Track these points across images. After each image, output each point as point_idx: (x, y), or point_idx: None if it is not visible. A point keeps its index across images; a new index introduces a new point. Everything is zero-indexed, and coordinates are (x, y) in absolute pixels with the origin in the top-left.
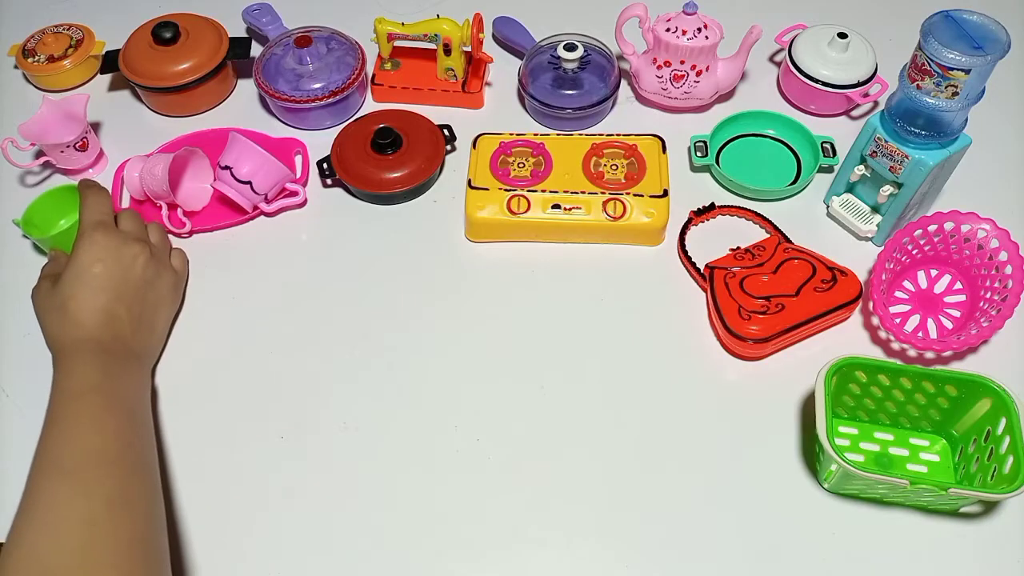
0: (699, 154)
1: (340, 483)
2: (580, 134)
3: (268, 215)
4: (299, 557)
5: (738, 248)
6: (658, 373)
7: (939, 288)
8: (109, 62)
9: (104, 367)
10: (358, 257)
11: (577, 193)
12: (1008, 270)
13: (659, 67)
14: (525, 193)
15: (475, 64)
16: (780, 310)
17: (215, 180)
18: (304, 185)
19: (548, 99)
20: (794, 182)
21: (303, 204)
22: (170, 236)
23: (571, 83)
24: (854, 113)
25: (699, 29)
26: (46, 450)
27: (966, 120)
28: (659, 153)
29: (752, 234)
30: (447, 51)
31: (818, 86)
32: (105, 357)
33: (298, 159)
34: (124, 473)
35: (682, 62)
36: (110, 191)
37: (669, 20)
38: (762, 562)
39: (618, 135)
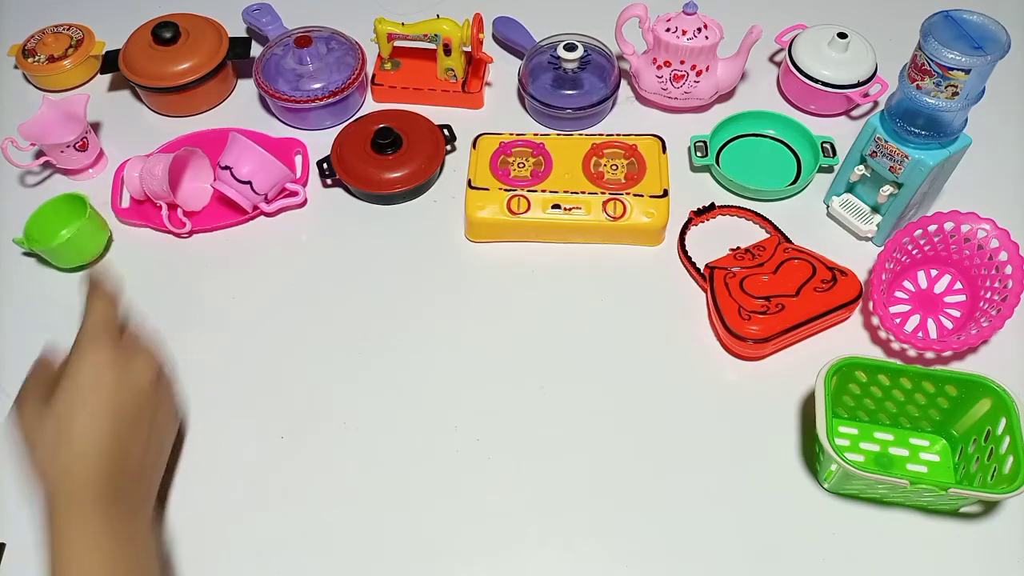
0: (699, 154)
1: (340, 483)
2: (580, 134)
3: (268, 215)
4: (299, 557)
5: (738, 248)
6: (658, 373)
7: (939, 288)
8: (109, 62)
9: (113, 524)
10: (358, 257)
11: (577, 193)
12: (1008, 270)
13: (659, 67)
14: (525, 193)
15: (475, 64)
16: (780, 310)
17: (215, 180)
18: (304, 185)
19: (548, 99)
20: (794, 182)
21: (303, 204)
22: (170, 237)
23: (571, 83)
24: (854, 113)
25: (699, 29)
26: None
27: (966, 120)
28: (659, 153)
29: (752, 234)
30: (447, 51)
31: (818, 86)
32: (114, 508)
33: (298, 159)
34: None
35: (682, 62)
36: (111, 286)
37: (669, 20)
38: (762, 562)
39: (618, 135)
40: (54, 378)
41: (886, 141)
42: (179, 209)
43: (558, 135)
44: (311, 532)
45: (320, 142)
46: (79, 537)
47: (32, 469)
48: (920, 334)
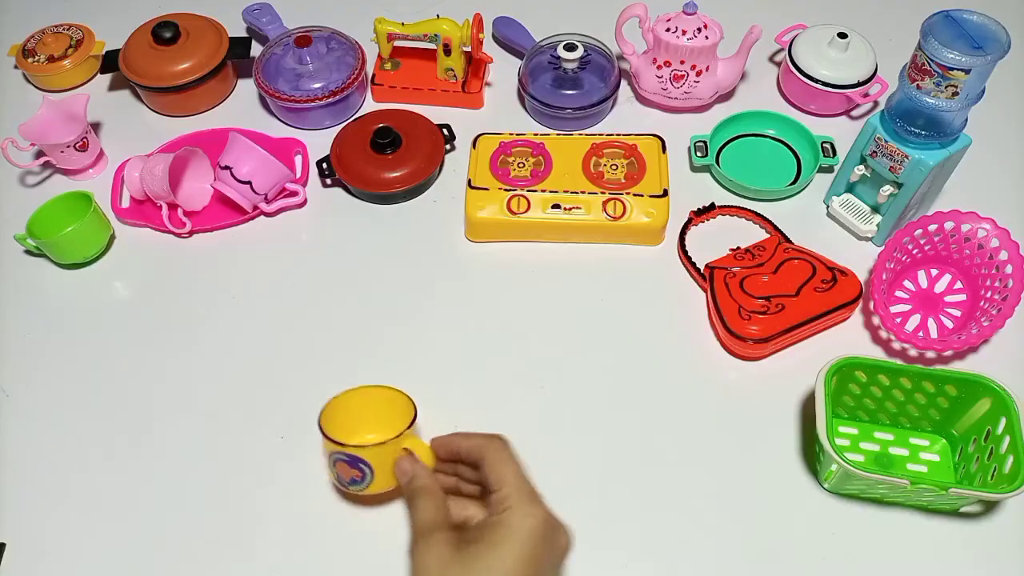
0: (699, 154)
1: None
2: (580, 134)
3: (268, 215)
4: (300, 557)
5: (738, 248)
6: (658, 373)
7: (939, 288)
8: (109, 62)
9: None
10: (358, 257)
11: (577, 193)
12: (1008, 269)
13: (659, 67)
14: (525, 193)
15: (475, 64)
16: (780, 310)
17: (215, 180)
18: (304, 185)
19: (548, 99)
20: (794, 182)
21: (303, 204)
22: (170, 237)
23: (571, 83)
24: (854, 113)
25: (699, 29)
26: None
27: (966, 120)
28: (659, 153)
29: (752, 234)
30: (447, 51)
31: (818, 86)
32: None
33: (298, 159)
34: None
35: (682, 62)
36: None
37: (669, 20)
38: (762, 562)
39: (618, 135)
40: (447, 509)
41: (886, 141)
42: (179, 209)
43: (558, 135)
44: (311, 532)
45: (320, 142)
46: None
47: None
48: (921, 334)
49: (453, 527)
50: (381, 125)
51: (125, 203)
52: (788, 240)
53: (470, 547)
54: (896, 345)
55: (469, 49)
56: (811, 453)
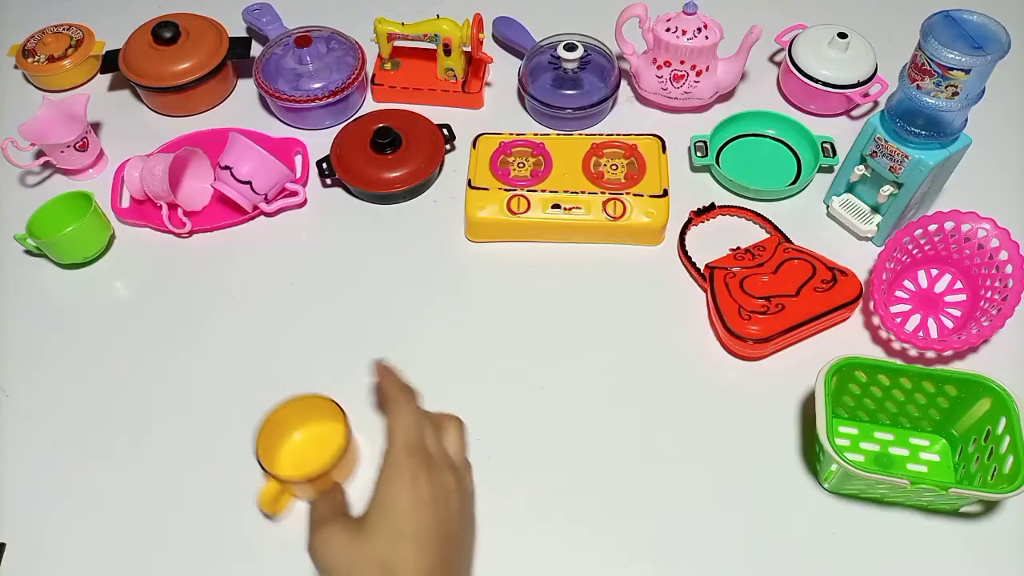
0: (699, 154)
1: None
2: (580, 134)
3: (268, 215)
4: (299, 556)
5: (738, 248)
6: (658, 373)
7: (939, 288)
8: (109, 62)
9: None
10: (358, 257)
11: (577, 193)
12: (1008, 269)
13: (659, 67)
14: (525, 193)
15: (475, 64)
16: (780, 310)
17: (215, 180)
18: (304, 185)
19: (548, 99)
20: (794, 182)
21: (303, 204)
22: (170, 237)
23: (571, 83)
24: (854, 113)
25: (699, 29)
26: None
27: (966, 120)
28: (659, 153)
29: (752, 234)
30: (447, 51)
31: (818, 86)
32: None
33: (298, 159)
34: None
35: (682, 62)
36: (409, 392)
37: (669, 20)
38: (762, 562)
39: (618, 135)
40: (342, 500)
41: (886, 141)
42: (179, 209)
43: (558, 135)
44: None
45: (320, 142)
46: None
47: None
48: (921, 334)
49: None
50: (381, 125)
51: (125, 203)
52: (788, 240)
53: (362, 522)
54: (896, 345)
55: (469, 49)
56: (811, 453)
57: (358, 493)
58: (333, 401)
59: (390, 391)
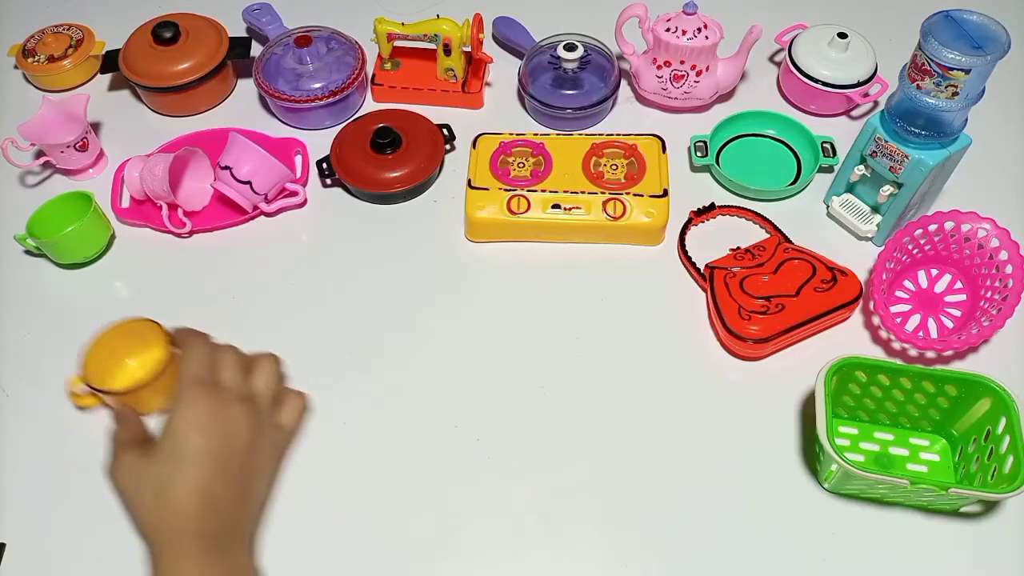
0: (699, 154)
1: (340, 482)
2: (580, 134)
3: (268, 215)
4: (299, 556)
5: (738, 248)
6: (658, 373)
7: (939, 287)
8: (109, 62)
9: (212, 559)
10: (358, 257)
11: (577, 193)
12: (1008, 269)
13: (659, 67)
14: (525, 193)
15: (475, 64)
16: (780, 310)
17: (215, 180)
18: (304, 185)
19: (548, 99)
20: (794, 182)
21: (303, 204)
22: (170, 237)
23: (571, 83)
24: (854, 113)
25: (699, 29)
26: None
27: (966, 120)
28: (659, 153)
29: (752, 234)
30: (447, 51)
31: (818, 86)
32: (214, 553)
33: (298, 159)
34: None
35: (682, 62)
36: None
37: (669, 20)
38: (762, 562)
39: (618, 135)
40: (139, 428)
41: (886, 141)
42: (179, 209)
43: (558, 135)
44: (311, 532)
45: (320, 142)
46: (183, 569)
47: (134, 521)
48: (921, 334)
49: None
50: (381, 125)
51: (125, 203)
52: (788, 240)
53: (151, 447)
54: (896, 345)
55: (469, 49)
56: (811, 453)
57: None
58: (160, 328)
59: (180, 334)
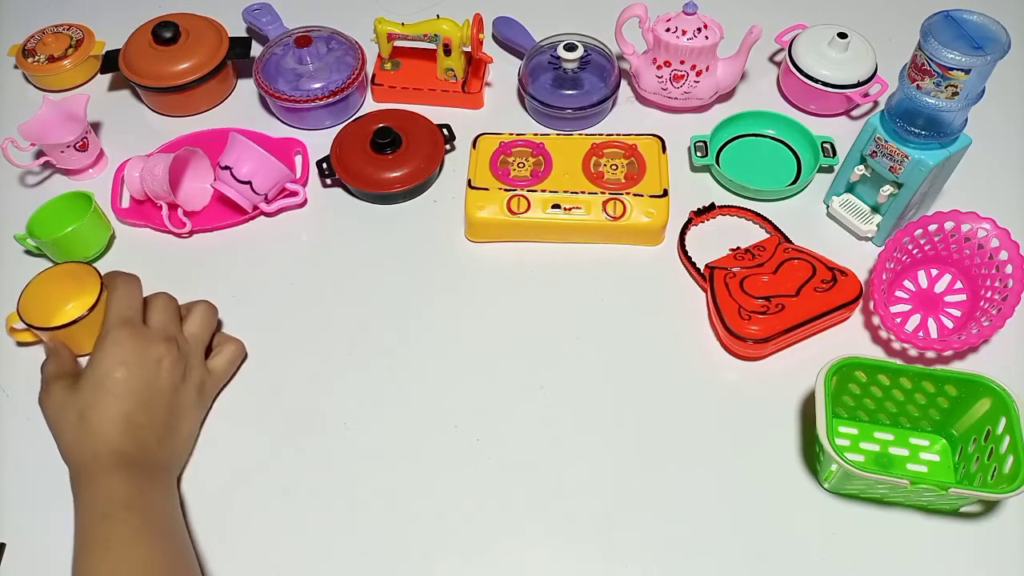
0: (699, 154)
1: (340, 483)
2: (580, 134)
3: (268, 215)
4: (299, 556)
5: (738, 248)
6: (658, 373)
7: (939, 287)
8: (109, 62)
9: (133, 481)
10: (358, 257)
11: (577, 193)
12: (1008, 269)
13: (659, 67)
14: (525, 193)
15: (475, 64)
16: (780, 310)
17: (215, 180)
18: (304, 185)
19: (548, 99)
20: (794, 182)
21: (303, 204)
22: (170, 237)
23: (571, 83)
24: (854, 113)
25: (699, 29)
26: None
27: (966, 120)
28: (659, 153)
29: (752, 234)
30: (447, 51)
31: (818, 86)
32: (132, 471)
33: (298, 159)
34: None
35: (682, 62)
36: (131, 276)
37: (669, 20)
38: (762, 562)
39: (618, 135)
40: (70, 363)
41: (886, 141)
42: (179, 209)
43: (558, 135)
44: (310, 532)
45: (320, 142)
46: (104, 484)
47: (59, 446)
48: (921, 334)
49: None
50: (381, 125)
51: (125, 203)
52: (788, 240)
53: (77, 380)
54: (896, 345)
55: (469, 49)
56: (811, 453)
57: None
58: (97, 272)
59: (110, 277)
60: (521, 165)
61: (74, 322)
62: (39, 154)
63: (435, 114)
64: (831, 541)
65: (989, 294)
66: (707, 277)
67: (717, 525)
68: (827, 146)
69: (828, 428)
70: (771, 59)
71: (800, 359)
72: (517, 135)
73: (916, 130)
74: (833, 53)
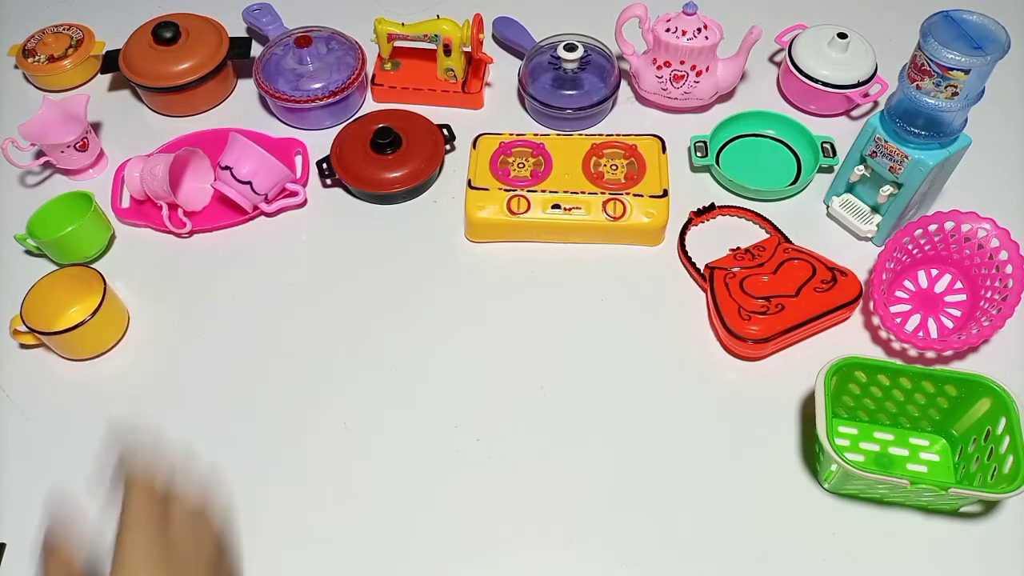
0: (699, 154)
1: (340, 483)
2: (580, 134)
3: (268, 215)
4: (299, 556)
5: (738, 248)
6: (658, 373)
7: (939, 288)
8: (109, 62)
9: None
10: (358, 257)
11: (577, 193)
12: (1008, 269)
13: (659, 67)
14: (525, 193)
15: (475, 64)
16: (780, 310)
17: (215, 180)
18: (304, 185)
19: (548, 99)
20: (794, 182)
21: (303, 204)
22: (170, 237)
23: (571, 83)
24: (854, 113)
25: (699, 29)
26: None
27: (966, 120)
28: (659, 153)
29: (752, 234)
30: (447, 51)
31: (818, 86)
32: None
33: (298, 159)
34: None
35: (682, 62)
36: (145, 457)
37: (669, 20)
38: (762, 562)
39: (618, 135)
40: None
41: (886, 141)
42: (179, 209)
43: (558, 135)
44: (310, 531)
45: (320, 142)
46: None
47: None
48: (921, 334)
49: None
50: (381, 125)
51: (125, 203)
52: (788, 240)
53: None
54: (896, 345)
55: (469, 49)
56: (811, 453)
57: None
58: (100, 276)
59: (129, 475)
60: (521, 165)
61: (76, 327)
62: (39, 154)
63: (435, 114)
64: (831, 541)
65: (989, 294)
66: (707, 277)
67: (717, 525)
68: (827, 146)
69: (828, 428)
70: (771, 59)
71: (800, 359)
72: (517, 135)
73: (916, 130)
74: (833, 53)
